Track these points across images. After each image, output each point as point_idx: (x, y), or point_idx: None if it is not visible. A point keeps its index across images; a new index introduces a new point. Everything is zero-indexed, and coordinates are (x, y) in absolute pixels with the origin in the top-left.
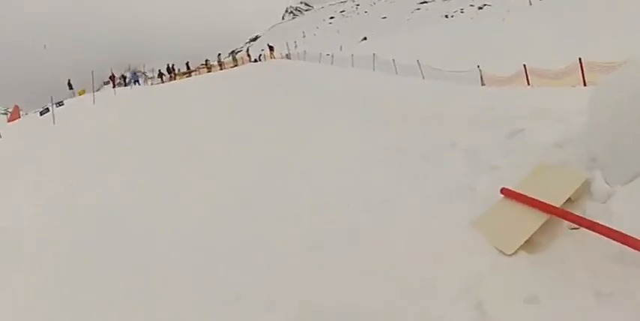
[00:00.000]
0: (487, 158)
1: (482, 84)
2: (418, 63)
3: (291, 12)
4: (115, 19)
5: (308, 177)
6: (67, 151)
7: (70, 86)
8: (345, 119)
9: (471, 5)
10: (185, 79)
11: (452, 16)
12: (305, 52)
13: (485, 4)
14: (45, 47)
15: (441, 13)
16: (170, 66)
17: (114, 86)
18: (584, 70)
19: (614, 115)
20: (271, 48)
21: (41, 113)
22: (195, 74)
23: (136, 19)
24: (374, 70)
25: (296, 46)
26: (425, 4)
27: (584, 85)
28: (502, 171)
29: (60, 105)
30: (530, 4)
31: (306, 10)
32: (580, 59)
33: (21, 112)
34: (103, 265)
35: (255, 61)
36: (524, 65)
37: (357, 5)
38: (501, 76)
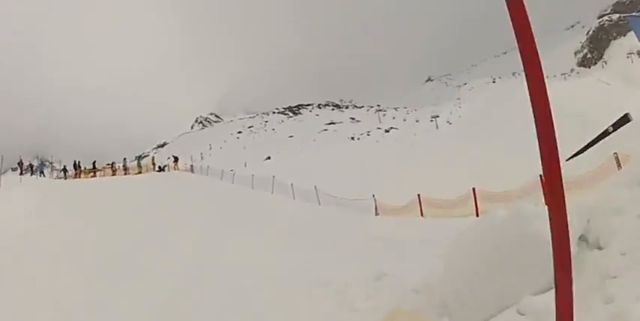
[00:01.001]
0: (352, 300)
1: (377, 213)
2: (315, 189)
3: (201, 122)
4: (31, 104)
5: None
6: None
7: None
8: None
9: (378, 128)
10: (89, 179)
11: (358, 139)
12: (208, 167)
13: (392, 127)
14: None
15: (348, 135)
16: (77, 163)
17: (21, 173)
18: (479, 199)
19: (464, 265)
20: (176, 159)
21: None
22: (100, 174)
23: (51, 109)
24: (272, 192)
25: (202, 158)
26: (332, 124)
27: (477, 215)
28: (361, 314)
29: None
30: (437, 127)
31: (216, 122)
32: (474, 189)
33: None
34: None
35: (160, 170)
36: (419, 195)
37: (266, 122)
38: (396, 205)
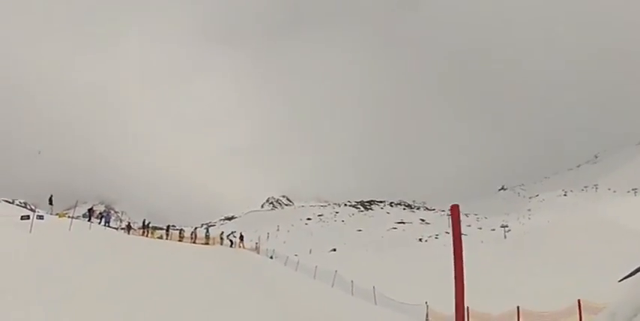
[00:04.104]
0: None
1: (427, 320)
2: (374, 289)
3: (272, 202)
4: (111, 151)
5: None
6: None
7: (51, 202)
8: None
9: (447, 232)
10: (157, 240)
11: (426, 241)
12: (274, 250)
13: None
14: (39, 153)
15: (416, 236)
16: (147, 222)
17: (90, 219)
18: (523, 317)
19: None
20: (242, 237)
21: (22, 218)
22: (168, 238)
23: (129, 160)
24: (332, 286)
25: (268, 238)
26: (402, 224)
27: None
28: None
29: (40, 218)
30: (505, 237)
31: (287, 205)
32: (518, 308)
33: None
34: None
35: (231, 245)
36: (467, 307)
37: (337, 213)
38: (445, 313)
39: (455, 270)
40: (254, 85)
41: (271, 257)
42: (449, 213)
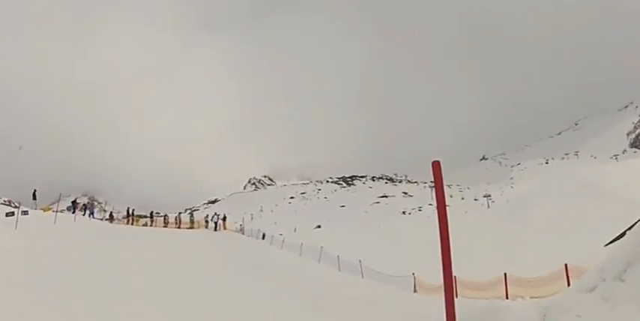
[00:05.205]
0: None
1: (415, 291)
2: (360, 263)
3: (254, 183)
4: (88, 141)
5: None
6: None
7: (35, 197)
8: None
9: (430, 204)
10: (142, 228)
11: (409, 213)
12: (259, 230)
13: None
14: (20, 149)
15: (399, 209)
16: (131, 210)
17: (74, 212)
18: (511, 283)
19: None
20: (224, 218)
21: (7, 215)
22: (153, 225)
23: (107, 150)
24: (319, 262)
25: (252, 219)
26: (385, 198)
27: (507, 298)
28: None
29: (25, 214)
30: (489, 206)
31: (269, 185)
32: (505, 274)
33: None
34: None
35: (216, 228)
36: (454, 276)
37: (319, 190)
38: (433, 284)
39: (440, 229)
40: (235, 67)
41: (263, 237)
42: (431, 185)
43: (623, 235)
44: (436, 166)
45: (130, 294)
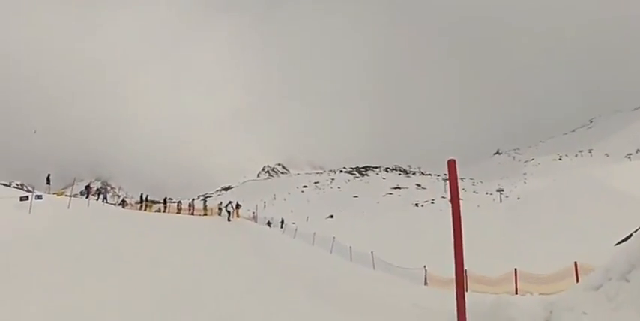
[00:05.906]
0: None
1: (425, 283)
2: (372, 254)
3: (268, 171)
4: (101, 124)
5: None
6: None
7: (48, 181)
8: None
9: (443, 197)
10: (155, 214)
11: (422, 206)
12: (272, 218)
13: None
14: (35, 132)
15: (412, 201)
16: (145, 196)
17: (87, 197)
18: (522, 279)
19: None
20: (238, 206)
21: (21, 199)
22: (166, 211)
23: (120, 132)
24: (331, 252)
25: (265, 207)
26: (398, 189)
27: (516, 293)
28: None
29: (39, 198)
30: (501, 201)
31: (282, 173)
32: (515, 270)
33: None
34: None
35: (229, 216)
36: (465, 270)
37: (332, 179)
38: (444, 277)
39: (453, 226)
40: (251, 52)
41: (269, 225)
42: (445, 178)
43: (630, 236)
44: (452, 164)
45: (136, 277)
